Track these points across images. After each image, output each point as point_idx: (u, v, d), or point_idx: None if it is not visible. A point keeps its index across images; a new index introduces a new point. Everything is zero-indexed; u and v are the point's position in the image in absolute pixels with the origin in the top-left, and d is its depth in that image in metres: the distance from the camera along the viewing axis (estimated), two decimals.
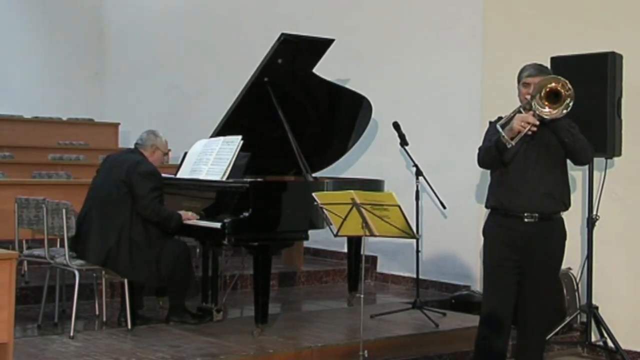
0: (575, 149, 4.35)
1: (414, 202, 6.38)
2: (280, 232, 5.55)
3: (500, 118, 4.48)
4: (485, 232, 4.58)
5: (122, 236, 5.41)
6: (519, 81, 4.47)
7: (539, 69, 4.42)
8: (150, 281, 5.60)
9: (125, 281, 5.50)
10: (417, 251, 6.44)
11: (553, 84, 4.16)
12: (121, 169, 5.53)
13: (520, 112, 4.29)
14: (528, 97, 4.27)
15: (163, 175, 6.19)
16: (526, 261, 4.39)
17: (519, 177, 4.37)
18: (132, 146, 5.89)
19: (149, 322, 5.76)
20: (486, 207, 4.61)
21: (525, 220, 4.36)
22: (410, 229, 4.46)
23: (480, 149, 4.51)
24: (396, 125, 6.62)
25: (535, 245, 4.37)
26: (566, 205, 4.48)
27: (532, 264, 4.39)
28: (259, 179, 5.64)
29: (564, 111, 4.15)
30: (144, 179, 5.48)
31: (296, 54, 6.32)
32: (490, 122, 4.55)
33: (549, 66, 5.99)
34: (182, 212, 5.61)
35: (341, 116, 6.94)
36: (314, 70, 6.60)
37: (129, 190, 5.45)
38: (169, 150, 10.00)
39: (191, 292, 5.74)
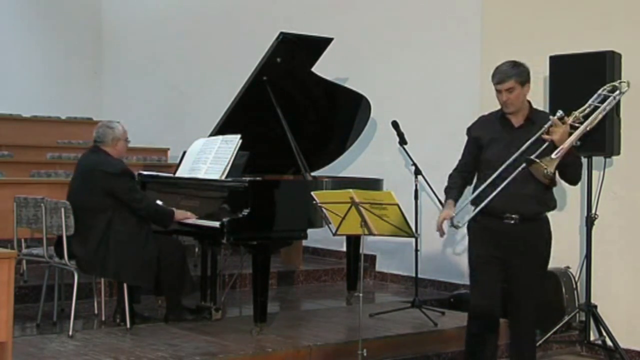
0: (569, 181, 4.46)
1: (413, 201, 6.39)
2: (279, 231, 5.55)
3: (482, 116, 4.55)
4: (468, 229, 4.60)
5: (102, 241, 5.37)
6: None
7: (501, 77, 4.35)
8: (139, 279, 5.53)
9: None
10: (416, 250, 6.45)
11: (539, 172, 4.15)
12: (92, 173, 5.45)
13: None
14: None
15: (162, 174, 6.21)
16: (509, 260, 4.39)
17: (500, 179, 4.35)
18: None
19: (146, 320, 5.76)
20: (471, 204, 4.62)
21: (505, 221, 4.36)
22: (409, 227, 4.46)
23: (450, 176, 4.61)
24: (395, 124, 6.62)
25: (516, 246, 4.36)
26: (549, 206, 4.46)
27: (515, 264, 4.38)
28: (257, 178, 5.64)
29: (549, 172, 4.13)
30: (119, 179, 5.41)
31: (295, 53, 6.31)
32: (468, 131, 4.58)
33: (547, 64, 6.04)
34: (178, 212, 5.61)
35: (340, 115, 6.94)
36: (313, 69, 6.60)
37: (107, 195, 5.38)
38: (168, 148, 10.08)
39: (187, 290, 5.73)
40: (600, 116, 4.39)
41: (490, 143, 4.42)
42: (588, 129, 4.31)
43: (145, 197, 5.55)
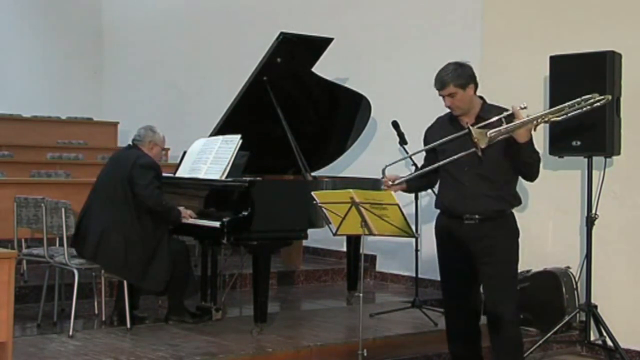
0: (524, 177, 4.37)
1: (413, 201, 6.38)
2: (279, 231, 5.55)
3: (439, 118, 4.52)
4: (435, 231, 4.58)
5: (120, 234, 5.40)
6: None
7: (439, 84, 4.33)
8: (146, 283, 5.55)
9: (125, 281, 5.50)
10: (416, 250, 6.45)
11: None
12: (123, 166, 5.53)
13: None
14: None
15: (162, 174, 6.19)
16: (476, 261, 4.32)
17: (456, 180, 4.32)
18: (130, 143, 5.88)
19: (142, 320, 5.77)
20: (435, 207, 4.60)
21: (465, 222, 4.31)
22: (409, 227, 4.46)
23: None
24: (395, 124, 6.63)
25: (479, 246, 4.29)
26: (512, 203, 4.36)
27: (480, 264, 4.31)
28: (258, 178, 5.64)
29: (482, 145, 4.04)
30: (145, 170, 5.48)
31: (295, 53, 6.32)
32: (425, 138, 4.56)
33: (547, 65, 6.03)
34: (181, 209, 5.62)
35: (340, 115, 6.94)
36: (313, 69, 6.61)
37: (131, 187, 5.45)
38: (168, 148, 10.07)
39: (190, 291, 5.75)
40: (560, 118, 4.25)
41: (443, 149, 4.38)
42: (536, 122, 4.15)
43: (158, 192, 5.52)
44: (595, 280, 5.96)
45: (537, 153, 4.31)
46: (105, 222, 5.43)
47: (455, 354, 4.56)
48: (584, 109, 4.23)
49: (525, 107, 4.12)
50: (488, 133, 4.05)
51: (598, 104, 4.22)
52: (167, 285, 5.57)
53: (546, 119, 4.18)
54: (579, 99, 4.22)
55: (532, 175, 4.36)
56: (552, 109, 4.26)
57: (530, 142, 4.15)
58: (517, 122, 4.07)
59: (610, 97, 4.32)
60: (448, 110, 4.45)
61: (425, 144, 4.56)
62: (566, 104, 4.22)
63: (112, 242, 5.39)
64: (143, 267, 5.43)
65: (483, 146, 4.04)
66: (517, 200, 4.41)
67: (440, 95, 4.34)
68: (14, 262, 4.08)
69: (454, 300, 4.48)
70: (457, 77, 4.28)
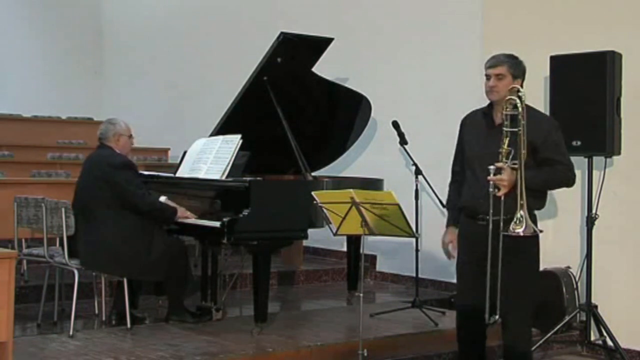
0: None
1: (414, 201, 6.38)
2: (280, 231, 5.55)
3: (476, 110, 4.48)
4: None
5: (112, 235, 5.39)
6: None
7: (494, 61, 4.35)
8: (147, 275, 5.57)
9: (125, 280, 5.51)
10: (417, 250, 6.45)
11: None
12: (97, 167, 5.53)
13: None
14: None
15: (162, 174, 6.21)
16: (485, 262, 4.23)
17: (475, 180, 4.31)
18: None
19: (141, 320, 5.77)
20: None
21: (479, 222, 4.28)
22: (410, 227, 4.46)
23: (449, 186, 4.59)
24: (395, 124, 6.63)
25: (494, 247, 4.21)
26: (529, 206, 4.21)
27: (496, 264, 4.24)
28: (258, 178, 5.64)
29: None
30: (120, 171, 5.47)
31: (295, 53, 6.32)
32: (461, 127, 4.55)
33: (547, 65, 6.04)
34: (180, 210, 5.62)
35: (340, 115, 6.94)
36: (313, 69, 6.61)
37: (110, 188, 5.43)
38: (168, 148, 10.09)
39: (189, 290, 5.74)
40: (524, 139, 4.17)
41: (471, 140, 4.40)
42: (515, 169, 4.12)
43: (147, 194, 5.54)
44: (595, 280, 5.97)
45: (538, 178, 4.24)
46: (95, 228, 5.42)
47: (462, 353, 4.56)
48: (518, 111, 4.14)
49: (493, 167, 4.10)
50: (513, 227, 4.08)
51: (520, 100, 4.16)
52: (167, 273, 5.55)
53: (520, 159, 4.10)
54: (508, 117, 4.16)
55: (552, 188, 4.38)
56: (505, 149, 4.13)
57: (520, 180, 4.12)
58: (503, 188, 4.10)
59: (518, 86, 4.24)
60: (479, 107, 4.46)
61: (460, 130, 4.59)
62: (507, 132, 4.14)
63: (106, 245, 5.38)
64: (142, 261, 5.44)
65: (530, 232, 4.08)
66: (536, 203, 4.33)
67: (487, 74, 4.35)
68: (14, 262, 4.08)
69: (463, 300, 4.48)
70: (514, 65, 4.36)
